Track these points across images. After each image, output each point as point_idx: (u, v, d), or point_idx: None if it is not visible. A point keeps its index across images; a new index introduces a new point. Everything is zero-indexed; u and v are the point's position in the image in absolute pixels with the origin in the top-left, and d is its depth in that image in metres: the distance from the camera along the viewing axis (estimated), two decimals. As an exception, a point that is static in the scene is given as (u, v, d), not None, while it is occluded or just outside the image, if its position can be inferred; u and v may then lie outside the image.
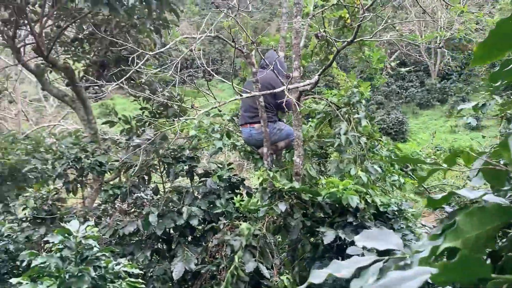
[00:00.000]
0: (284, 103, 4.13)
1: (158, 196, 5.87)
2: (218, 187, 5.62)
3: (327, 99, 5.59)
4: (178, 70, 4.54)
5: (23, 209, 5.91)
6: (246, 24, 4.93)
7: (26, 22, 6.55)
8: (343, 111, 5.44)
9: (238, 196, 5.53)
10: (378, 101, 36.53)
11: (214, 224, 5.36)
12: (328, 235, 4.78)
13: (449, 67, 38.45)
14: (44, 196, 5.89)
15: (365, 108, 5.46)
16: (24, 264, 3.31)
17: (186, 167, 5.85)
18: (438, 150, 27.23)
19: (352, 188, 4.91)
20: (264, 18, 46.41)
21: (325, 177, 6.13)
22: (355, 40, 4.15)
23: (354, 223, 4.92)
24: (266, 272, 4.84)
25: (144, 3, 6.12)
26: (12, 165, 6.24)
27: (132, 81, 7.90)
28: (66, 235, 3.24)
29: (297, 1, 5.14)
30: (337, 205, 5.08)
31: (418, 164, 7.04)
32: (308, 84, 4.56)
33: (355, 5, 6.38)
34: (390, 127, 33.14)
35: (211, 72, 4.22)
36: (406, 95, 38.41)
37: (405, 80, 40.51)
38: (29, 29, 6.61)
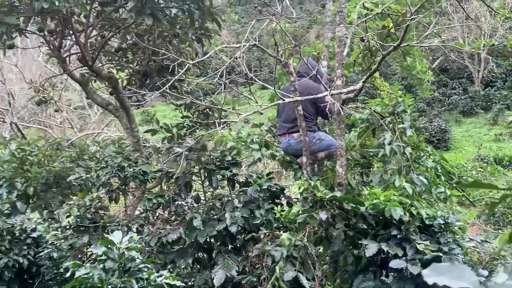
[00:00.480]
0: (326, 110, 4.05)
1: (200, 204, 5.89)
2: (258, 196, 5.59)
3: (370, 108, 5.48)
4: (224, 76, 4.52)
5: (67, 217, 6.01)
6: (285, 31, 4.88)
7: (71, 32, 6.69)
8: (388, 120, 5.33)
9: (279, 206, 5.48)
10: (420, 109, 35.90)
11: (254, 234, 5.33)
12: (371, 248, 4.67)
13: (493, 74, 37.47)
14: (88, 204, 5.98)
15: (410, 117, 5.33)
16: (68, 274, 3.34)
17: (228, 174, 5.83)
18: (483, 160, 26.52)
19: (396, 199, 4.79)
20: (303, 26, 46.37)
21: (368, 188, 6.02)
22: (401, 45, 4.05)
23: (399, 236, 4.79)
24: (306, 283, 4.78)
25: (186, 13, 6.17)
26: (57, 173, 6.36)
27: (174, 90, 7.98)
28: (109, 246, 3.26)
29: (340, 9, 5.07)
30: (380, 217, 4.96)
31: (465, 176, 6.86)
32: (352, 91, 4.48)
33: (400, 14, 6.27)
34: (433, 135, 32.50)
35: (253, 77, 4.20)
36: (449, 103, 37.63)
37: (447, 87, 39.74)
38: (74, 40, 6.75)
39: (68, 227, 5.97)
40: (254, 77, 4.27)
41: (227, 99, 6.68)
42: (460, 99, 37.77)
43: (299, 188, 5.16)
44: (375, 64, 6.84)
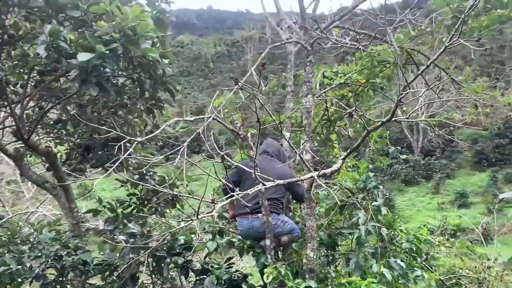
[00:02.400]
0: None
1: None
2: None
3: (340, 184, 5.05)
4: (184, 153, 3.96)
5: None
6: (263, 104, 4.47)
7: (6, 104, 6.01)
8: (360, 197, 4.89)
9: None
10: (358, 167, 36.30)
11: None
12: None
13: (433, 144, 38.79)
14: (17, 300, 5.12)
15: (382, 194, 4.92)
16: None
17: (180, 261, 5.14)
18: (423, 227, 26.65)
19: (376, 288, 4.27)
20: (275, 101, 46.64)
21: (335, 271, 5.47)
22: (392, 120, 3.68)
23: (382, 332, 4.25)
24: None
25: (136, 82, 5.66)
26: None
27: (120, 165, 7.32)
28: None
29: (307, 78, 4.72)
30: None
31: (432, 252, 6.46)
32: (335, 171, 4.03)
33: (359, 84, 6.03)
34: (377, 204, 32.70)
35: (223, 154, 3.68)
36: (391, 172, 38.30)
37: (388, 157, 40.58)
38: (9, 111, 6.06)
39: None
40: (222, 153, 3.74)
41: (180, 175, 6.09)
42: (401, 169, 38.58)
43: (267, 277, 4.55)
44: (333, 133, 6.54)
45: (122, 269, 4.75)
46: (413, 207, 35.04)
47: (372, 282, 4.28)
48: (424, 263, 5.94)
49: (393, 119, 3.64)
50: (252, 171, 3.89)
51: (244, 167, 4.51)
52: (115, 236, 6.69)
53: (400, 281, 4.90)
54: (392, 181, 38.35)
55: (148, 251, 4.57)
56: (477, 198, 34.67)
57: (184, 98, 52.17)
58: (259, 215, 5.03)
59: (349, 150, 4.14)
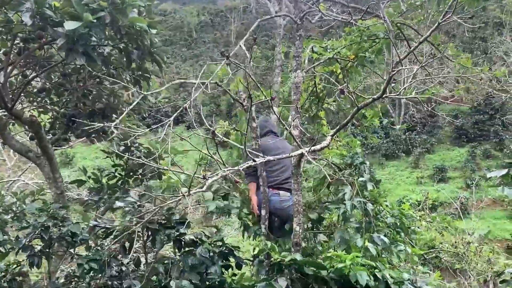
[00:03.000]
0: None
1: (141, 268, 5.14)
2: (209, 258, 4.95)
3: (327, 159, 5.08)
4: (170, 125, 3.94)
5: (-23, 286, 5.09)
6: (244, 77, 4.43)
7: (-12, 71, 5.89)
8: (346, 173, 4.93)
9: (229, 269, 4.87)
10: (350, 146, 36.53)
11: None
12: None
13: (414, 119, 39.11)
14: (3, 270, 5.11)
15: (369, 170, 4.97)
16: None
17: (174, 235, 5.12)
18: (405, 201, 27.18)
19: (360, 262, 4.34)
20: (258, 73, 46.15)
21: (322, 246, 5.55)
22: (384, 96, 3.68)
23: (365, 304, 4.33)
24: None
25: (123, 52, 5.57)
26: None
27: (103, 135, 7.26)
28: None
29: (297, 53, 4.69)
30: (342, 280, 4.48)
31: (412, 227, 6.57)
32: (324, 147, 4.04)
33: (348, 59, 6.01)
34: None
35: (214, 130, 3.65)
36: (371, 146, 38.60)
37: (369, 132, 40.81)
38: (-9, 79, 5.93)
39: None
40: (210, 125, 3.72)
41: (171, 148, 6.06)
42: (382, 143, 38.88)
43: (254, 249, 4.60)
44: (321, 110, 6.53)
45: (122, 234, 4.74)
46: (392, 181, 35.47)
47: (357, 256, 4.36)
48: (405, 237, 6.05)
49: (384, 95, 3.65)
50: (275, 150, 3.96)
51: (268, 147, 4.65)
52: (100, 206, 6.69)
53: (383, 256, 5.01)
54: (372, 155, 38.67)
55: (142, 222, 4.56)
56: (455, 173, 35.21)
57: (166, 68, 51.53)
58: (281, 192, 5.12)
59: (338, 127, 4.15)
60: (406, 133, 39.62)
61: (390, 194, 32.55)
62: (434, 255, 7.66)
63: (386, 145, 38.99)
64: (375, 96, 3.71)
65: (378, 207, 5.11)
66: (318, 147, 3.94)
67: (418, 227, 6.69)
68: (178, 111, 4.26)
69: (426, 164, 36.87)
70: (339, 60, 6.02)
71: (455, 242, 8.60)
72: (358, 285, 4.29)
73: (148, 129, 5.29)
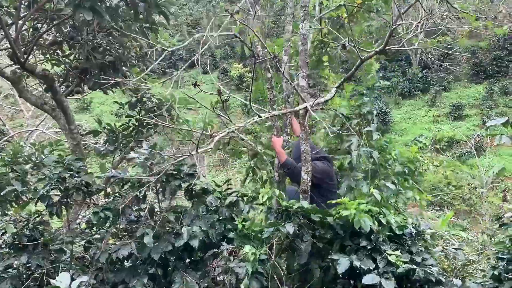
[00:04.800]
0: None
1: (154, 217, 5.38)
2: (219, 206, 5.17)
3: (335, 110, 5.15)
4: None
5: (2, 234, 5.38)
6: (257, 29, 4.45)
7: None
8: (354, 123, 5.01)
9: (241, 217, 5.08)
10: (360, 92, 36.25)
11: (215, 250, 4.90)
12: (342, 264, 4.37)
13: (431, 57, 38.37)
14: (25, 220, 5.37)
15: (376, 119, 5.04)
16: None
17: (184, 185, 5.33)
18: (419, 141, 27.23)
19: (364, 208, 4.50)
20: (270, 18, 45.23)
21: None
22: (386, 48, 3.71)
23: (369, 247, 4.51)
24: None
25: (130, 5, 5.59)
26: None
27: (117, 86, 7.37)
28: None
29: (304, 3, 4.67)
30: (348, 226, 4.66)
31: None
32: (328, 100, 4.12)
33: (355, 5, 5.96)
34: (373, 118, 32.91)
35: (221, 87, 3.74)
36: (388, 85, 38.18)
37: (386, 70, 40.32)
38: (3, 33, 6.01)
39: (3, 245, 5.33)
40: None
41: (180, 98, 6.16)
42: (399, 82, 38.43)
43: (263, 197, 4.78)
44: (326, 55, 6.54)
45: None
46: (409, 120, 35.29)
47: (361, 203, 4.51)
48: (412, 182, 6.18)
49: (387, 47, 3.67)
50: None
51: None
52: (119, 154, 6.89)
53: (390, 202, 5.16)
54: (389, 95, 38.32)
55: (153, 173, 4.74)
56: (472, 111, 34.89)
57: (179, 10, 50.74)
58: None
59: (343, 79, 4.20)
60: (423, 71, 39.00)
61: (405, 134, 32.54)
62: (439, 198, 7.79)
63: (402, 84, 38.51)
64: (377, 49, 3.73)
65: (386, 155, 5.20)
66: (322, 100, 4.01)
67: (425, 170, 6.78)
68: (194, 57, 4.29)
69: (443, 102, 36.49)
70: (345, 5, 5.98)
71: (461, 186, 8.72)
72: (363, 230, 4.48)
73: (163, 74, 5.40)
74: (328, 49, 6.51)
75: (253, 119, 3.51)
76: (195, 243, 4.86)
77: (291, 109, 3.93)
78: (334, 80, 6.70)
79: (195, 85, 3.60)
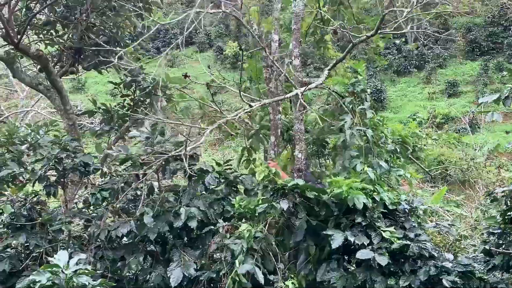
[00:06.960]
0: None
1: (153, 195, 5.43)
2: (218, 185, 5.24)
3: (329, 88, 5.17)
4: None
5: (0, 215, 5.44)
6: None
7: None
8: (347, 101, 5.04)
9: (237, 196, 5.15)
10: (355, 70, 36.13)
11: (212, 227, 4.98)
12: (336, 239, 4.46)
13: (427, 33, 38.17)
14: (23, 200, 5.42)
15: (370, 97, 5.07)
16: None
17: (183, 165, 5.37)
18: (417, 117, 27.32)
19: (358, 186, 4.57)
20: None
21: (325, 170, 5.79)
22: (378, 33, 3.74)
23: (363, 223, 4.60)
24: (261, 278, 4.50)
25: (123, -17, 5.57)
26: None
27: (112, 67, 7.35)
28: (54, 271, 2.80)
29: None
30: (342, 204, 4.73)
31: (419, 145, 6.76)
32: (319, 84, 4.15)
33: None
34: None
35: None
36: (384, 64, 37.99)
37: (377, 53, 40.03)
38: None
39: (1, 226, 5.38)
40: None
41: (173, 78, 6.17)
42: (394, 59, 38.25)
43: (259, 175, 4.84)
44: (327, 34, 6.52)
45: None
46: (404, 97, 35.25)
47: (354, 181, 4.58)
48: (411, 155, 6.22)
49: (378, 32, 3.70)
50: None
51: None
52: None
53: (383, 179, 5.23)
54: (384, 72, 38.15)
55: (164, 157, 4.78)
56: (467, 87, 34.84)
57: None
58: None
59: (334, 62, 4.23)
60: (418, 48, 38.82)
61: (401, 111, 32.56)
62: (439, 171, 7.89)
63: (397, 61, 38.34)
64: (369, 34, 3.76)
65: (379, 133, 5.24)
66: (313, 85, 4.04)
67: (425, 145, 6.86)
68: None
69: (438, 79, 36.41)
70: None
71: (460, 159, 8.82)
72: (357, 208, 4.56)
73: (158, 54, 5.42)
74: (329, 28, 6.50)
75: (244, 109, 3.54)
76: (193, 224, 4.94)
77: (282, 96, 3.96)
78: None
79: (185, 76, 3.62)
